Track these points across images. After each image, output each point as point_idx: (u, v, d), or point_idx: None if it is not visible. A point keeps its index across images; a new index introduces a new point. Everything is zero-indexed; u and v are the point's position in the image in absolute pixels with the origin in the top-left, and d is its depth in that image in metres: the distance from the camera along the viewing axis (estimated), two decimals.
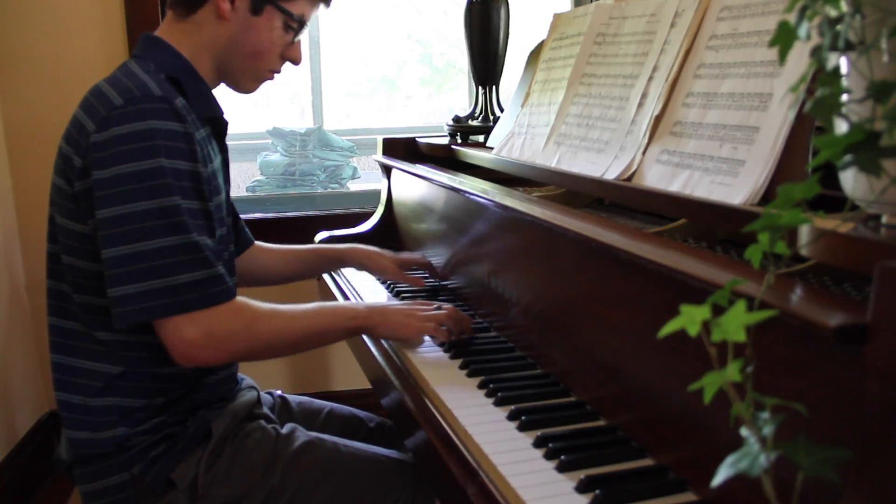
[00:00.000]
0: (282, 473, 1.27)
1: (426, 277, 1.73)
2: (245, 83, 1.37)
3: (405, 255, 1.75)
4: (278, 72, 1.39)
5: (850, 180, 0.67)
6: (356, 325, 1.29)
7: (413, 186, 1.92)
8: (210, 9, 1.28)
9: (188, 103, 1.24)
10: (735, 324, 0.52)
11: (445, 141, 1.98)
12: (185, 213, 1.14)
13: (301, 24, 1.35)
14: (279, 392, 1.57)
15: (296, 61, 1.39)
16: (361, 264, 1.70)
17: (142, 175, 1.12)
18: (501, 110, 1.96)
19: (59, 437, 1.31)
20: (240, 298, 1.20)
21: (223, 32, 1.29)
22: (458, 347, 1.31)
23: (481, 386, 1.16)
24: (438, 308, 1.35)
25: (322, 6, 1.39)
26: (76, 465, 1.26)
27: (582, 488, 0.86)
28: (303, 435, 1.33)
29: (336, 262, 1.72)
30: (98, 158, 1.14)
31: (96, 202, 1.14)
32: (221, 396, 1.33)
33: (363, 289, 1.75)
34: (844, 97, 0.59)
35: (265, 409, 1.43)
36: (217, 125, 1.34)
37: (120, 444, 1.23)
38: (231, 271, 1.38)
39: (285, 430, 1.34)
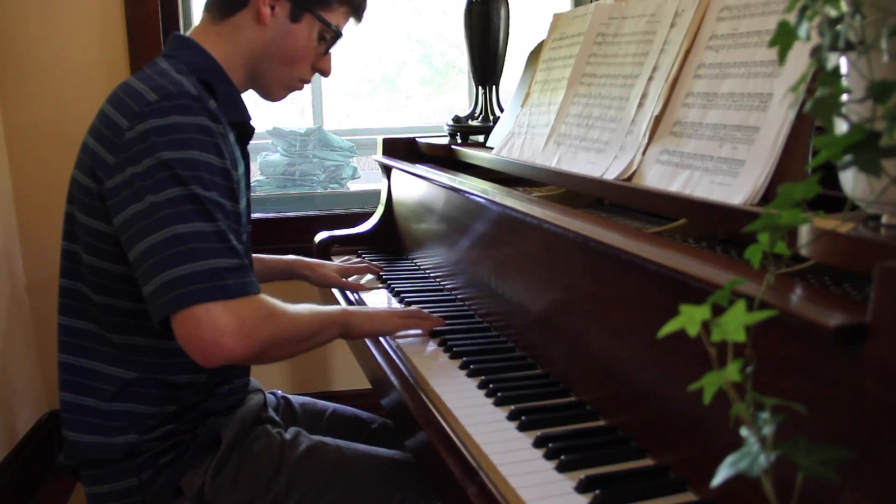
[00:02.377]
0: (287, 479, 1.26)
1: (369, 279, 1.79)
2: (275, 90, 1.37)
3: (347, 264, 1.81)
4: (308, 81, 1.40)
5: (850, 180, 0.67)
6: (343, 322, 1.26)
7: (413, 186, 1.92)
8: (249, 13, 1.27)
9: (219, 107, 1.23)
10: (735, 324, 0.52)
11: (445, 141, 1.98)
12: (214, 204, 1.11)
13: (336, 34, 1.36)
14: (281, 393, 1.57)
15: (325, 73, 1.40)
16: (306, 276, 1.73)
17: (173, 164, 1.10)
18: (501, 110, 1.96)
19: (59, 438, 1.30)
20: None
21: (260, 38, 1.29)
22: (458, 346, 1.31)
23: (481, 386, 1.16)
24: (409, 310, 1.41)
25: (353, 20, 1.39)
26: (83, 467, 1.25)
27: (582, 488, 0.86)
28: (306, 440, 1.33)
29: (283, 273, 1.73)
30: (132, 154, 1.12)
31: (130, 197, 1.11)
32: (232, 405, 1.33)
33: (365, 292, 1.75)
34: (844, 97, 0.59)
35: (270, 411, 1.43)
36: (243, 131, 1.33)
37: (130, 450, 1.22)
38: None
39: (289, 434, 1.33)
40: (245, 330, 1.07)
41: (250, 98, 1.41)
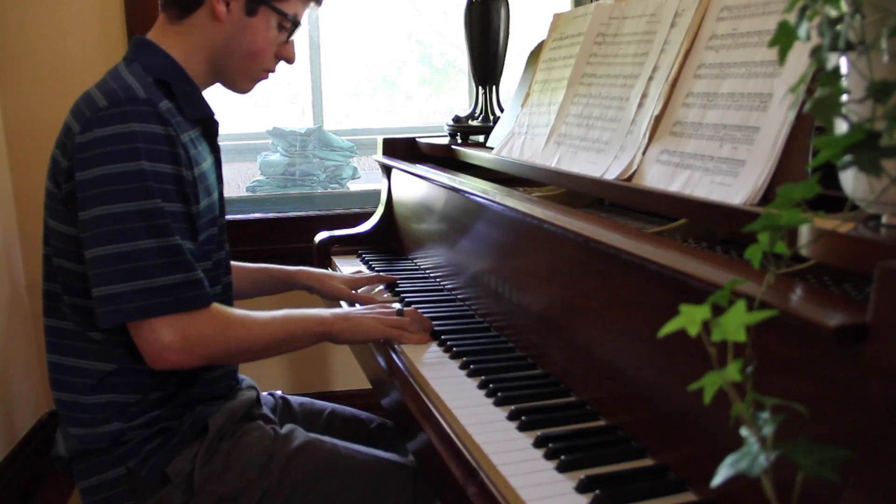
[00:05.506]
0: (279, 472, 1.27)
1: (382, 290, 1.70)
2: (241, 83, 1.38)
3: (357, 275, 1.72)
4: (273, 71, 1.41)
5: (850, 180, 0.67)
6: (323, 331, 1.31)
7: (413, 186, 1.92)
8: (205, 11, 1.29)
9: (177, 105, 1.25)
10: (735, 324, 0.52)
11: (445, 141, 1.98)
12: (167, 215, 1.16)
13: (295, 23, 1.36)
14: (280, 393, 1.57)
15: (289, 60, 1.41)
16: (311, 287, 1.67)
17: (122, 177, 1.14)
18: (501, 110, 1.96)
19: (55, 435, 1.32)
20: (214, 304, 1.21)
21: (218, 34, 1.30)
22: (458, 346, 1.31)
23: (481, 386, 1.16)
24: (400, 312, 1.39)
25: (313, 5, 1.40)
26: (75, 461, 1.27)
27: (582, 488, 0.86)
28: (301, 435, 1.33)
29: (286, 284, 1.68)
30: (80, 160, 1.16)
31: (79, 203, 1.15)
32: (219, 394, 1.34)
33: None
34: (844, 97, 0.59)
35: (265, 410, 1.44)
36: (208, 126, 1.35)
37: (116, 438, 1.23)
38: (227, 270, 1.39)
39: (284, 430, 1.34)
40: (188, 346, 1.16)
41: (250, 99, 1.41)
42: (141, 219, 1.14)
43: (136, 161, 1.14)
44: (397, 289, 1.70)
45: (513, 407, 1.06)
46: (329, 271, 1.76)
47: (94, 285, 1.14)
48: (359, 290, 1.68)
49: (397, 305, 1.52)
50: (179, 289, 1.15)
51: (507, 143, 1.59)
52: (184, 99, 1.27)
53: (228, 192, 2.09)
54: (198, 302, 1.17)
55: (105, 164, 1.14)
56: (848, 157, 0.54)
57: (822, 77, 0.56)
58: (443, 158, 1.91)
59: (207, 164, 1.31)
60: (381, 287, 1.72)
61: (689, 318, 0.53)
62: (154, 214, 1.14)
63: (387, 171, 2.11)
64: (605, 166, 1.21)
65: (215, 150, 1.37)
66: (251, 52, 1.33)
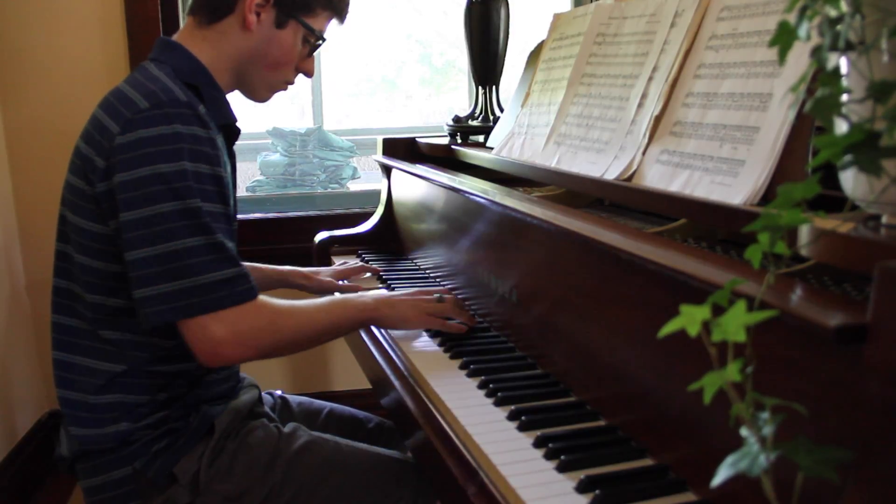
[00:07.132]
0: (283, 471, 1.27)
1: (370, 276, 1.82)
2: (260, 93, 1.40)
3: (343, 266, 1.82)
4: (292, 83, 1.43)
5: (850, 180, 0.67)
6: (367, 317, 1.33)
7: (413, 186, 1.92)
8: (235, 19, 1.30)
9: (206, 110, 1.26)
10: (735, 324, 0.52)
11: (445, 141, 1.98)
12: (206, 214, 1.16)
13: (320, 38, 1.39)
14: (279, 392, 1.58)
15: (309, 74, 1.44)
16: (301, 285, 1.75)
17: (166, 177, 1.14)
18: (501, 110, 1.96)
19: (58, 434, 1.32)
20: (260, 296, 1.21)
21: (246, 43, 1.31)
22: (458, 347, 1.31)
23: (481, 386, 1.16)
24: (440, 298, 1.39)
25: (336, 21, 1.42)
26: (78, 461, 1.27)
27: (582, 488, 0.86)
28: (305, 434, 1.34)
29: (279, 283, 1.76)
30: (122, 160, 1.15)
31: (120, 204, 1.15)
32: (223, 394, 1.34)
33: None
34: (844, 97, 0.59)
35: (266, 409, 1.44)
36: (229, 132, 1.36)
37: (123, 439, 1.23)
38: None
39: (288, 428, 1.35)
40: (240, 340, 1.16)
41: (247, 99, 1.42)
42: (181, 218, 1.14)
43: (179, 161, 1.14)
44: (391, 283, 1.71)
45: (513, 407, 1.06)
46: (316, 268, 1.82)
47: (137, 287, 1.14)
48: (345, 281, 1.78)
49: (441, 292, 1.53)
50: (230, 284, 1.15)
51: (506, 143, 1.59)
52: (211, 104, 1.28)
53: None
54: (247, 295, 1.17)
55: (149, 165, 1.14)
56: (848, 157, 0.54)
57: (822, 77, 0.56)
58: (443, 158, 1.91)
59: (227, 169, 1.32)
60: (369, 275, 1.81)
61: (689, 318, 0.53)
62: (194, 214, 1.14)
63: (387, 171, 2.11)
64: (605, 166, 1.21)
65: (231, 156, 1.38)
66: (276, 63, 1.35)
